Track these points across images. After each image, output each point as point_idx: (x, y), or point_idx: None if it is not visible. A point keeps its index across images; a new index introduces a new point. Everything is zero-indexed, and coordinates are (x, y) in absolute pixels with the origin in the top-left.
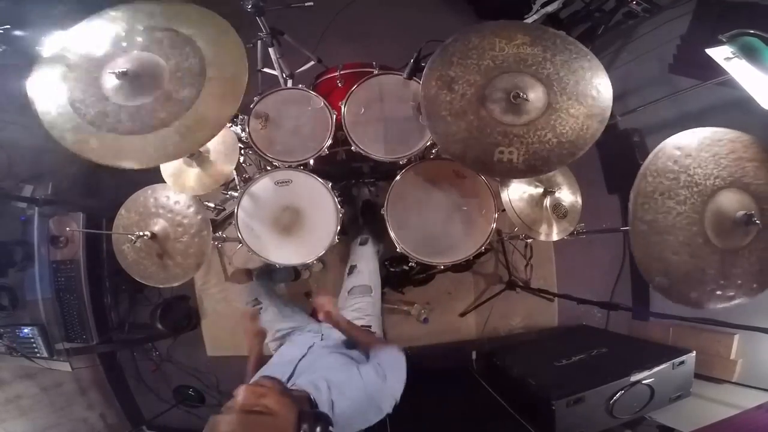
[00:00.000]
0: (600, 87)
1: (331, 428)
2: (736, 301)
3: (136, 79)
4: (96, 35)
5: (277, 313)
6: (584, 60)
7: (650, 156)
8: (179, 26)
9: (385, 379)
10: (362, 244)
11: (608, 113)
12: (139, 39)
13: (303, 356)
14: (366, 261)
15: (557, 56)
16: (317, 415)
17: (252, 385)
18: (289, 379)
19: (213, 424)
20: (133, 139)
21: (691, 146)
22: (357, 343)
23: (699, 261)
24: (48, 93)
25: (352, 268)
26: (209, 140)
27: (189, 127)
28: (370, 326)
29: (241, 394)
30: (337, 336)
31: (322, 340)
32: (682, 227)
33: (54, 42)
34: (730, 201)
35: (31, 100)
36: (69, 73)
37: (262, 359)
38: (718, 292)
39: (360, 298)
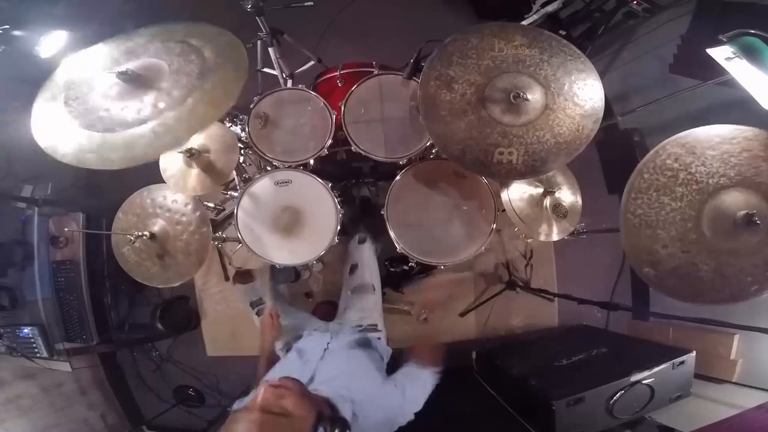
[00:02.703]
0: (593, 88)
1: None
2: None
3: (134, 80)
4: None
5: (282, 313)
6: (578, 62)
7: (649, 154)
8: (192, 39)
9: (404, 394)
10: (361, 242)
11: (602, 113)
12: (152, 47)
13: (321, 359)
14: (366, 260)
15: (553, 58)
16: (335, 419)
17: (274, 385)
18: (309, 382)
19: (232, 421)
20: (107, 137)
21: (695, 144)
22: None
23: (691, 257)
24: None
25: (353, 267)
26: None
27: (167, 127)
28: (376, 324)
29: (261, 392)
30: (348, 332)
31: (332, 339)
32: (675, 223)
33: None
34: (735, 200)
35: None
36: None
37: (273, 357)
38: (713, 290)
39: (363, 297)
